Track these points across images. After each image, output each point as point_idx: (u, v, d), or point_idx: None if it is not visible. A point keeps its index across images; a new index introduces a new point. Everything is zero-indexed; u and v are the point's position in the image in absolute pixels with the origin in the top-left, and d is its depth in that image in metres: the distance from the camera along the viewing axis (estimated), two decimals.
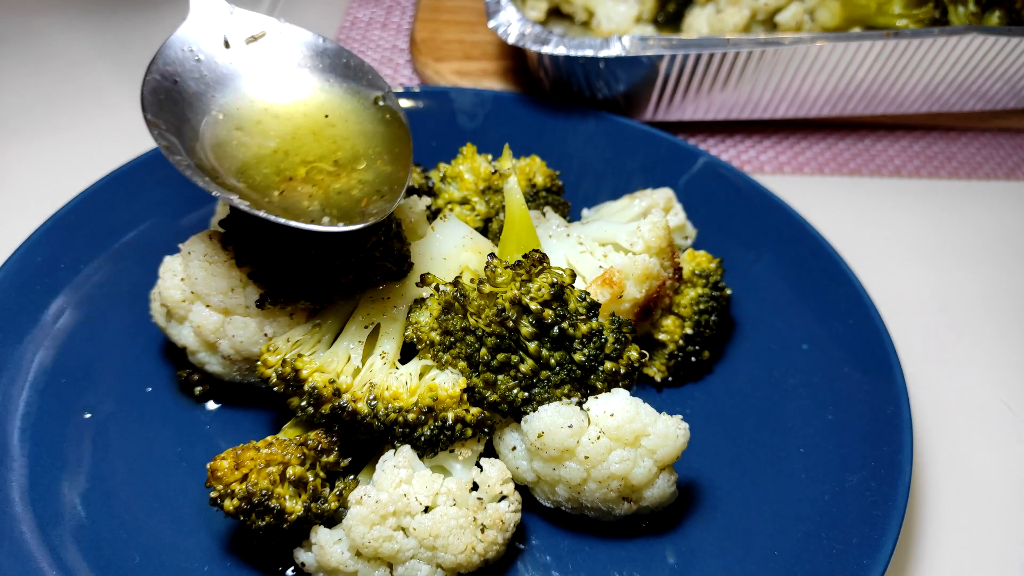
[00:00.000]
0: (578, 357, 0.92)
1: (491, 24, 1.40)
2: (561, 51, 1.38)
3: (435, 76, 1.65)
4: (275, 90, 1.01)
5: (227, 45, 1.00)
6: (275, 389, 0.93)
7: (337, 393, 0.91)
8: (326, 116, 0.99)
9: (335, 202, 0.91)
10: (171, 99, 0.95)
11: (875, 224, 1.50)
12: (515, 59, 1.67)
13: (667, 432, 0.91)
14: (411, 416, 0.90)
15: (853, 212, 1.52)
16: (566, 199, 1.23)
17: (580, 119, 1.43)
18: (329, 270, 0.94)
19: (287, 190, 0.91)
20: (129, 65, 1.71)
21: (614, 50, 1.38)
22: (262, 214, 0.86)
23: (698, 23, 1.58)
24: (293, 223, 0.86)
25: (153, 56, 0.96)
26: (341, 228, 0.88)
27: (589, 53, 1.37)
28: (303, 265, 0.94)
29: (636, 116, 1.54)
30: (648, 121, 1.56)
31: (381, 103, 1.01)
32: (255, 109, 0.98)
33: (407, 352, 0.98)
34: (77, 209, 1.19)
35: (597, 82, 1.45)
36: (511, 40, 1.39)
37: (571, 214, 1.25)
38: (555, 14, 1.66)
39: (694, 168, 1.36)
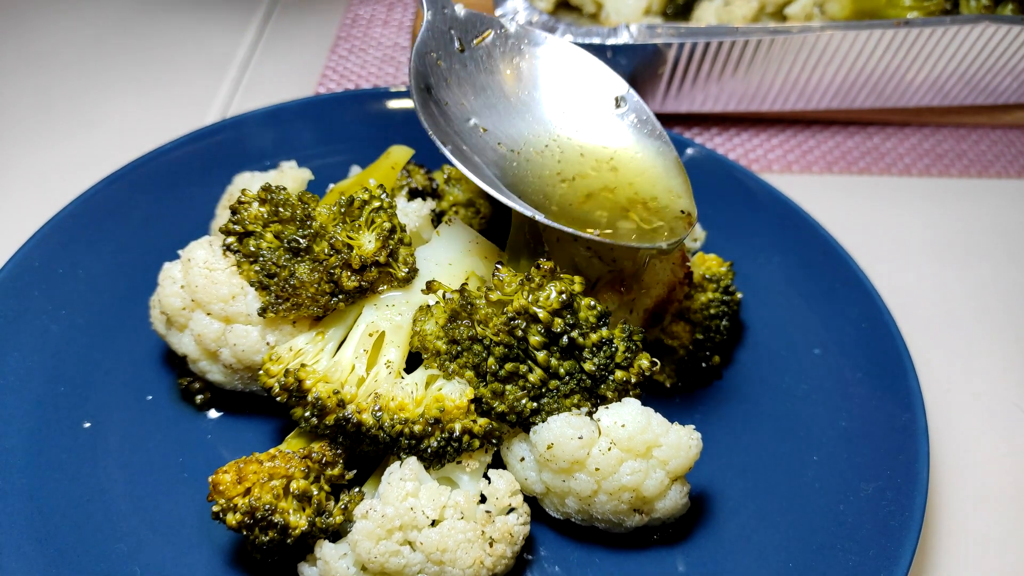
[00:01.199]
0: (588, 366, 0.90)
1: (498, 12, 1.38)
2: (568, 39, 1.35)
3: None
4: (519, 102, 1.01)
5: (462, 49, 0.99)
6: (278, 399, 0.90)
7: (341, 404, 0.89)
8: (593, 140, 1.01)
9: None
10: (431, 113, 0.95)
11: (885, 223, 1.48)
12: None
13: (679, 443, 0.89)
14: (417, 427, 0.88)
15: (863, 211, 1.49)
16: None
17: None
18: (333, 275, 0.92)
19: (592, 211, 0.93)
20: (129, 68, 1.68)
21: (622, 38, 1.35)
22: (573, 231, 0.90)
23: (707, 16, 1.55)
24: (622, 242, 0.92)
25: (408, 69, 0.98)
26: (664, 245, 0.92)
27: (596, 40, 1.35)
28: None
29: None
30: (655, 112, 1.52)
31: (623, 106, 1.02)
32: (515, 125, 0.99)
33: (412, 361, 0.96)
34: (75, 213, 1.17)
35: None
36: None
37: None
38: (563, 7, 1.64)
39: (702, 167, 1.33)
